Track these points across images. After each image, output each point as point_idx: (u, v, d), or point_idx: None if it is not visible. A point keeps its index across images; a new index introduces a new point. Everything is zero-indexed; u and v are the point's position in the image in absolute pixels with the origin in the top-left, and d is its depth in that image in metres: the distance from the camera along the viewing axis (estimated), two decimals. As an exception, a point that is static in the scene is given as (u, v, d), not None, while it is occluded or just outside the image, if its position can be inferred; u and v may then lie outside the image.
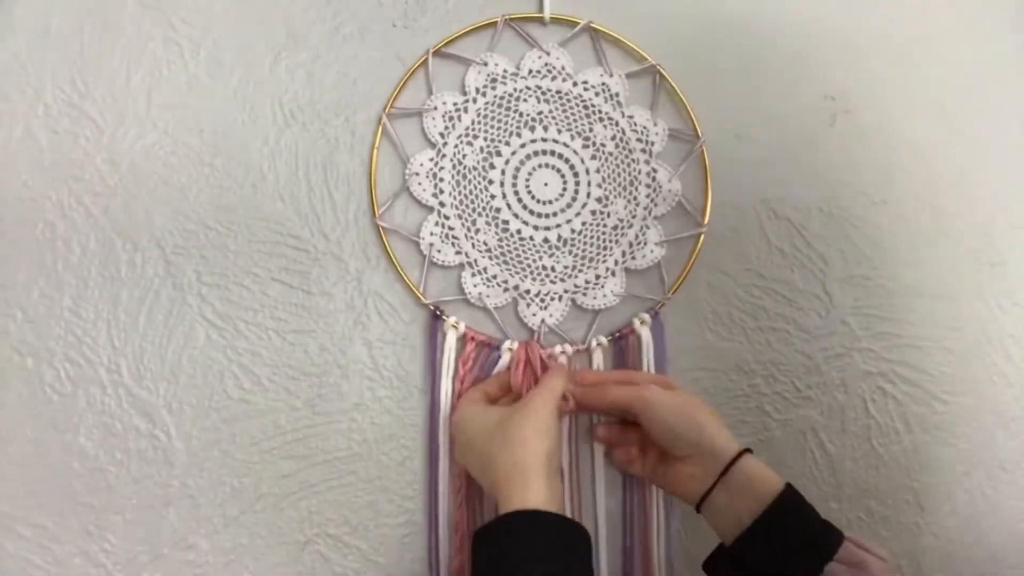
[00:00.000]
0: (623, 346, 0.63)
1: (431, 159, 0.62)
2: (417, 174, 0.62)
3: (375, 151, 0.62)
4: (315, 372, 0.61)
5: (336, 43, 0.63)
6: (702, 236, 0.65)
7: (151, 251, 0.60)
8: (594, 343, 0.62)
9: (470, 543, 0.51)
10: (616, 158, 0.64)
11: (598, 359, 0.63)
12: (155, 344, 0.59)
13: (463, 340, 0.61)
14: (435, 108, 0.63)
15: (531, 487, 0.49)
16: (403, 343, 0.62)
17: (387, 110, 0.62)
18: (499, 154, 0.63)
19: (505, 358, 0.61)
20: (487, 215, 0.63)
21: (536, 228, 0.63)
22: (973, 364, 0.68)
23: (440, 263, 0.62)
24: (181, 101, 0.61)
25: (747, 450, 0.54)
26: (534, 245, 0.63)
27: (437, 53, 0.63)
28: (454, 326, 0.61)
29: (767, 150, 0.67)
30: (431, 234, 0.62)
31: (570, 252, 0.63)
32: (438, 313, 0.61)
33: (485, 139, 0.63)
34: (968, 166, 0.69)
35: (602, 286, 0.63)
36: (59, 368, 0.59)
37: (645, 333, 0.62)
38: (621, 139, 0.65)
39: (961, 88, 0.69)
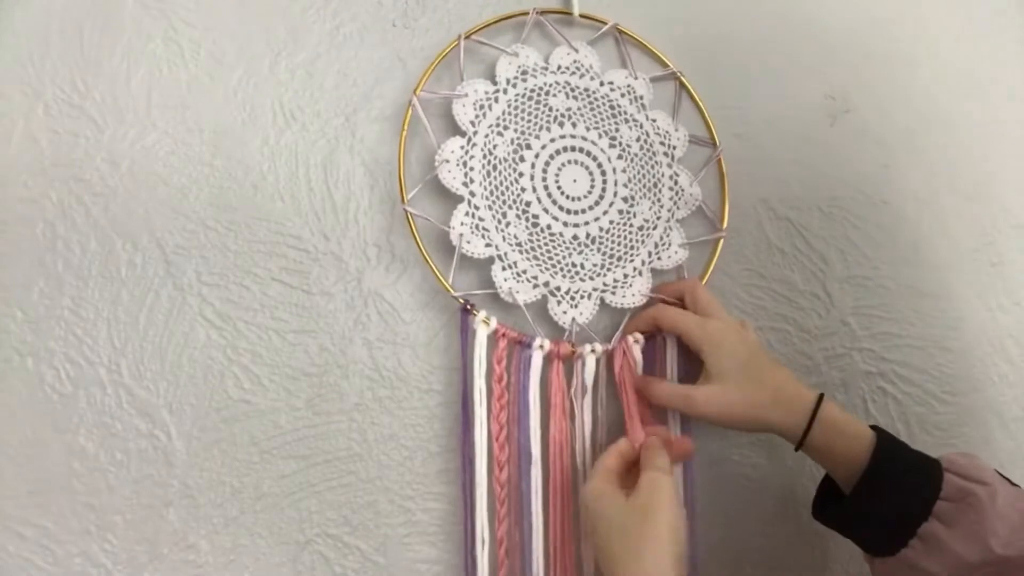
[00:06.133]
0: (647, 347, 0.62)
1: (462, 147, 0.61)
2: (447, 161, 0.60)
3: (404, 134, 0.60)
4: (315, 372, 0.61)
5: (336, 43, 0.63)
6: (721, 241, 0.65)
7: (151, 251, 0.60)
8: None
9: None
10: (641, 159, 0.64)
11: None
12: (155, 344, 0.59)
13: (494, 336, 0.59)
14: (466, 95, 0.61)
15: None
16: (403, 343, 0.62)
17: (417, 92, 0.60)
18: (529, 147, 0.62)
19: (536, 356, 0.59)
20: (517, 208, 0.61)
21: (566, 224, 0.62)
22: (973, 364, 0.67)
23: (470, 254, 0.60)
24: (181, 101, 0.61)
25: (820, 395, 0.56)
26: (564, 241, 0.62)
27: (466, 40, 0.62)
28: (485, 321, 0.58)
29: (767, 150, 0.67)
30: (461, 224, 0.59)
31: (599, 250, 0.62)
32: (468, 307, 0.59)
33: (516, 131, 0.62)
34: (968, 166, 0.69)
35: (630, 285, 0.63)
36: (59, 368, 0.58)
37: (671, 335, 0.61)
38: (645, 141, 0.64)
39: (961, 88, 0.69)
